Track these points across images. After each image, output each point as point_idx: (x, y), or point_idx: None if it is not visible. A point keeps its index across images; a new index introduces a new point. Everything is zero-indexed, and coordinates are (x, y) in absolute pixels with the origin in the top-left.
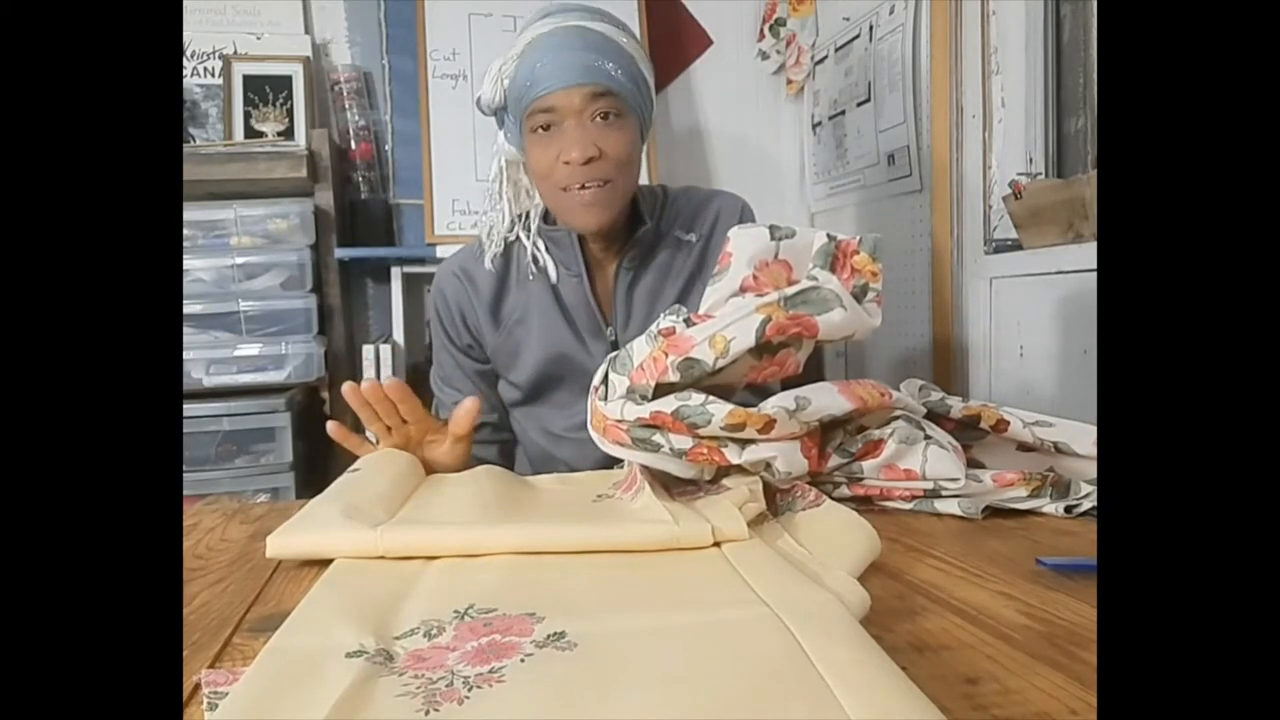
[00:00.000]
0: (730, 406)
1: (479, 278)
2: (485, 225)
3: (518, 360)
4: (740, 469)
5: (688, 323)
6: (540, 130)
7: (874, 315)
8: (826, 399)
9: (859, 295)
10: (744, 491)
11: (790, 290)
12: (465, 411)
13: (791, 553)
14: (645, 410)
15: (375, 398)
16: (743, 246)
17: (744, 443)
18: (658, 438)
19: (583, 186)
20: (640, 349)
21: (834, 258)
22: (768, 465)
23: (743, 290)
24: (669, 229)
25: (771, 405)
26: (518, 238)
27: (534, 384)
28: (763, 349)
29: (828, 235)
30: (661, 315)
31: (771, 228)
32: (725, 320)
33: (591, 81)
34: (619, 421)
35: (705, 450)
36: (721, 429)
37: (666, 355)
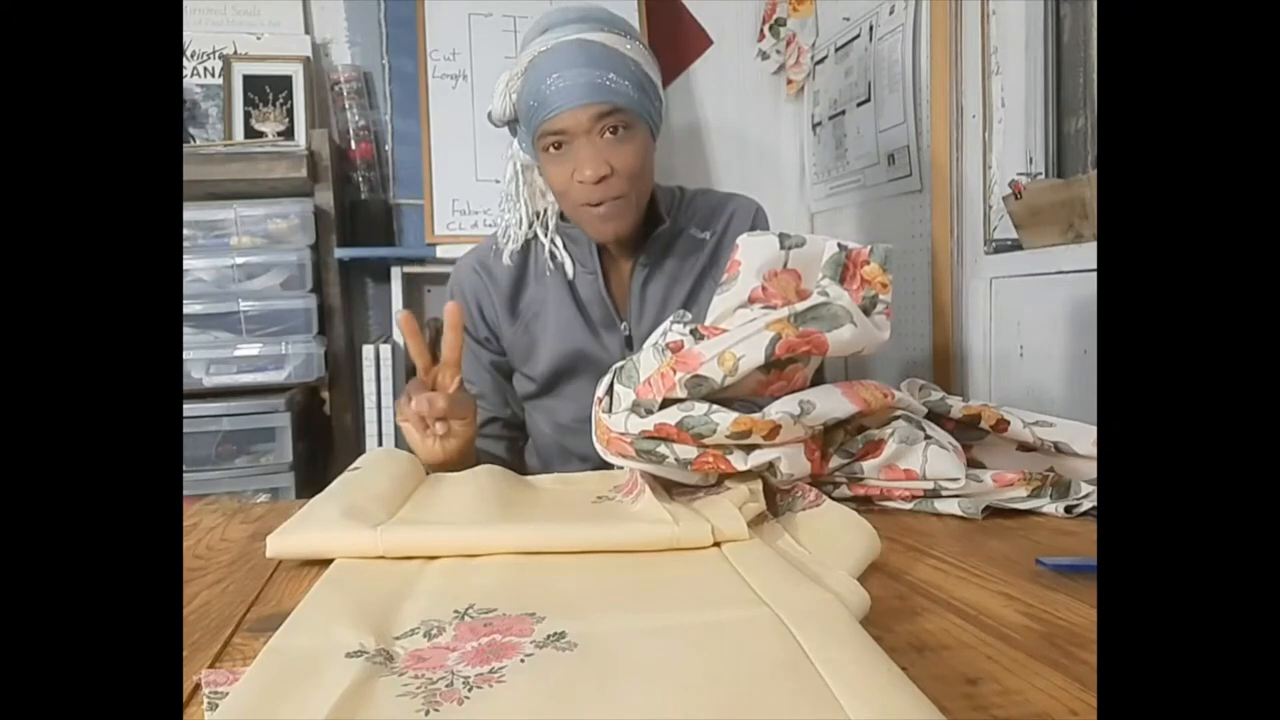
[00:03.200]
0: (735, 415)
1: (497, 272)
2: (501, 225)
3: (534, 354)
4: (743, 472)
5: (695, 334)
6: (552, 149)
7: (883, 328)
8: (831, 403)
9: (868, 307)
10: (744, 491)
11: (800, 306)
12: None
13: (791, 553)
14: (649, 423)
15: (410, 330)
16: (751, 255)
17: (749, 449)
18: (662, 449)
19: (599, 203)
20: (647, 362)
21: (844, 268)
22: (771, 466)
23: (751, 300)
24: (685, 227)
25: (776, 411)
26: (535, 235)
27: (549, 377)
28: (771, 365)
29: (838, 244)
30: (668, 321)
31: (781, 236)
32: (734, 337)
33: (598, 100)
34: (623, 434)
35: (711, 459)
36: (727, 437)
37: (675, 372)
